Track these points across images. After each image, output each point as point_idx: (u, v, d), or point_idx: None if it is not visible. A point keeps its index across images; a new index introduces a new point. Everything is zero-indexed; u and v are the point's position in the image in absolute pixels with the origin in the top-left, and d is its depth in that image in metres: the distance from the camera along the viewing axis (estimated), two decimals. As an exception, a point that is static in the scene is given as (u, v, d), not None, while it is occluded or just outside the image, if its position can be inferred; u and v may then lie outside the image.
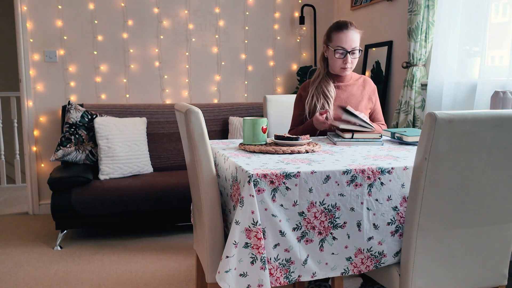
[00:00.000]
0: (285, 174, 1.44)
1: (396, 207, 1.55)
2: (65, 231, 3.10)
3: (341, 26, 2.25)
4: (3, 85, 5.93)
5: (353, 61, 2.27)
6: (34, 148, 3.73)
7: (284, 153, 1.76)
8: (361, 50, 2.30)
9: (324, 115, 2.19)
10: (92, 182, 3.13)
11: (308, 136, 1.90)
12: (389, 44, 3.40)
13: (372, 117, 2.42)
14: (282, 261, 1.47)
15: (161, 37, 3.89)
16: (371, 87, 2.41)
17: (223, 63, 4.05)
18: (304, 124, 2.31)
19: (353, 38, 2.24)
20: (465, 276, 1.56)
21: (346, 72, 2.30)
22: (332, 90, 2.31)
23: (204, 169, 1.61)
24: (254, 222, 1.40)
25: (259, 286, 1.42)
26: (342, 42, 2.23)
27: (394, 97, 3.37)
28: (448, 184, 1.43)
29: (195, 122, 1.60)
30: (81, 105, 3.52)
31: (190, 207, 2.83)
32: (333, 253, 1.52)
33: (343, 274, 1.54)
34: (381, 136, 2.03)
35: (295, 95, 2.50)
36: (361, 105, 2.35)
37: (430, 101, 2.81)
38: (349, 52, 2.23)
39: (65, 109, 3.45)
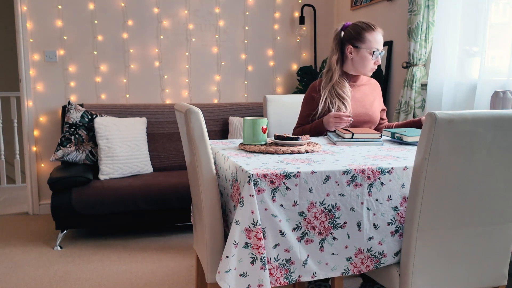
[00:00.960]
0: (285, 174, 1.44)
1: (396, 207, 1.55)
2: (65, 231, 3.10)
3: (371, 27, 2.27)
4: (3, 85, 5.93)
5: None
6: (34, 148, 3.73)
7: (284, 153, 1.75)
8: None
9: (345, 113, 2.17)
10: (92, 182, 3.14)
11: (308, 136, 1.90)
12: (389, 44, 3.40)
13: (381, 115, 2.47)
14: (282, 261, 1.47)
15: (161, 37, 3.89)
16: (380, 91, 2.47)
17: (223, 63, 4.05)
18: (312, 124, 2.29)
19: (382, 39, 2.29)
20: (465, 276, 1.56)
21: (372, 72, 2.33)
22: (348, 90, 2.29)
23: (204, 169, 1.61)
24: (254, 222, 1.40)
25: (259, 286, 1.42)
26: (378, 43, 2.26)
27: (394, 97, 3.37)
28: (448, 184, 1.43)
29: (195, 122, 1.60)
30: (81, 105, 3.52)
31: (190, 207, 2.84)
32: (333, 253, 1.52)
33: (343, 274, 1.54)
34: (381, 136, 2.03)
35: (295, 95, 2.50)
36: (375, 104, 2.38)
37: (430, 101, 2.81)
38: (380, 53, 2.27)
39: (65, 109, 3.45)
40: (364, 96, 2.36)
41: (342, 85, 2.30)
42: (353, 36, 2.28)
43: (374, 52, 2.25)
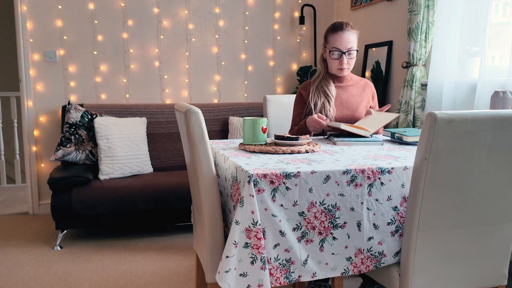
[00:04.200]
0: (285, 174, 1.44)
1: (396, 207, 1.55)
2: (65, 231, 3.10)
3: (336, 28, 2.26)
4: (3, 85, 5.94)
5: (349, 61, 2.27)
6: (34, 148, 3.73)
7: (284, 153, 1.76)
8: (358, 51, 2.30)
9: (324, 118, 2.18)
10: (92, 182, 3.14)
11: (308, 136, 1.90)
12: (389, 44, 3.40)
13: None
14: (282, 261, 1.47)
15: (161, 37, 3.89)
16: (372, 90, 2.44)
17: (223, 63, 4.05)
18: (299, 125, 2.31)
19: (349, 39, 2.24)
20: (465, 276, 1.56)
21: (343, 72, 2.30)
22: (332, 89, 2.31)
23: (204, 169, 1.61)
24: (254, 222, 1.40)
25: (259, 286, 1.42)
26: (337, 43, 2.23)
27: (394, 97, 3.37)
28: (448, 184, 1.43)
29: (195, 122, 1.60)
30: (81, 105, 3.52)
31: (190, 207, 2.84)
32: (333, 253, 1.52)
33: (343, 274, 1.54)
34: (371, 135, 2.05)
35: (295, 95, 2.50)
36: (361, 106, 2.35)
37: (430, 101, 2.81)
38: (344, 53, 2.24)
39: (65, 109, 3.45)
40: (350, 97, 2.35)
41: (328, 82, 2.33)
42: (323, 36, 2.34)
43: (331, 51, 2.25)
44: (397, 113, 2.21)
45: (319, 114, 2.23)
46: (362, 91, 2.38)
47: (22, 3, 3.57)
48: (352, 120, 2.31)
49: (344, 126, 2.04)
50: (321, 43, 2.43)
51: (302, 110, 2.35)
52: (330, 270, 1.52)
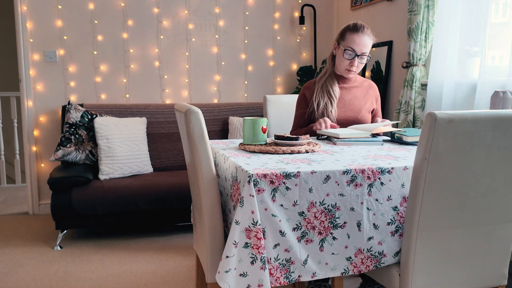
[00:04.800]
0: (285, 174, 1.44)
1: (396, 207, 1.55)
2: (65, 231, 3.10)
3: (357, 28, 2.24)
4: (3, 85, 5.94)
5: (359, 65, 2.27)
6: (34, 148, 3.73)
7: (284, 153, 1.76)
8: (370, 57, 2.29)
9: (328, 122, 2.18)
10: (92, 182, 3.14)
11: (308, 136, 1.90)
12: (389, 44, 3.40)
13: (372, 122, 2.42)
14: (282, 261, 1.47)
15: (161, 37, 3.89)
16: (375, 92, 2.43)
17: (223, 63, 4.05)
18: (307, 127, 2.30)
19: (366, 43, 2.24)
20: (465, 276, 1.56)
21: (349, 74, 2.30)
22: (336, 90, 2.30)
23: (204, 169, 1.61)
24: (254, 222, 1.40)
25: (259, 286, 1.42)
26: (355, 43, 2.22)
27: (394, 97, 3.37)
28: (448, 184, 1.43)
29: (195, 122, 1.60)
30: (81, 105, 3.52)
31: (190, 207, 2.84)
32: (333, 253, 1.52)
33: (343, 274, 1.54)
34: (371, 135, 2.04)
35: (295, 95, 2.50)
36: (364, 108, 2.35)
37: (430, 101, 2.81)
38: (358, 55, 2.23)
39: (65, 109, 3.45)
40: (354, 99, 2.35)
41: (333, 82, 2.32)
42: (339, 33, 2.32)
43: (346, 50, 2.23)
44: (395, 121, 2.23)
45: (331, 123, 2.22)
46: (366, 93, 2.38)
47: (22, 3, 3.57)
48: (354, 122, 2.31)
49: (342, 135, 2.03)
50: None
51: (305, 110, 2.34)
52: (330, 270, 1.52)
